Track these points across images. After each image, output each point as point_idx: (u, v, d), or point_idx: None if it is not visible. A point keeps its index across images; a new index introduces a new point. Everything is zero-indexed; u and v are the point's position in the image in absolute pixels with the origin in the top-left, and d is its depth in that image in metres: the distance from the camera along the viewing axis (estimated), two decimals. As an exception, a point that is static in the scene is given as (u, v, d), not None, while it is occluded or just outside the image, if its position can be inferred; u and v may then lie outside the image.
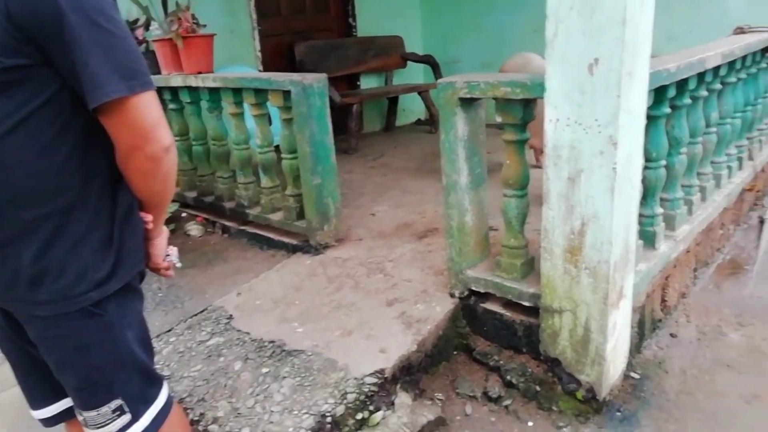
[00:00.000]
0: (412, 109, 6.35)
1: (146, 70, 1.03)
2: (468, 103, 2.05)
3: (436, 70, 5.83)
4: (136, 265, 1.19)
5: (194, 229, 3.51)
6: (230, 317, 2.46)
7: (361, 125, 5.75)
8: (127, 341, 1.17)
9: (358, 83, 5.89)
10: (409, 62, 5.98)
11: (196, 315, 2.53)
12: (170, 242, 1.36)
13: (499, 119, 2.01)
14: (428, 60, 5.88)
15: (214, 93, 3.23)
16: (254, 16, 4.82)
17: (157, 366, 1.54)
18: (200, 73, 3.22)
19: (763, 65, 3.21)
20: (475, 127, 2.11)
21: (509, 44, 5.46)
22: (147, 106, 1.02)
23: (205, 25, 3.32)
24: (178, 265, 1.38)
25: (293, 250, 3.04)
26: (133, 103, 0.99)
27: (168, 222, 1.34)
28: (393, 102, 6.01)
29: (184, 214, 3.69)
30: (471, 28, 5.95)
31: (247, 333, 2.32)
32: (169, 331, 2.42)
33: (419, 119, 6.43)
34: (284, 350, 2.16)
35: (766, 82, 3.37)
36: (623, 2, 1.49)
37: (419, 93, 5.64)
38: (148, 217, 1.21)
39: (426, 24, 6.34)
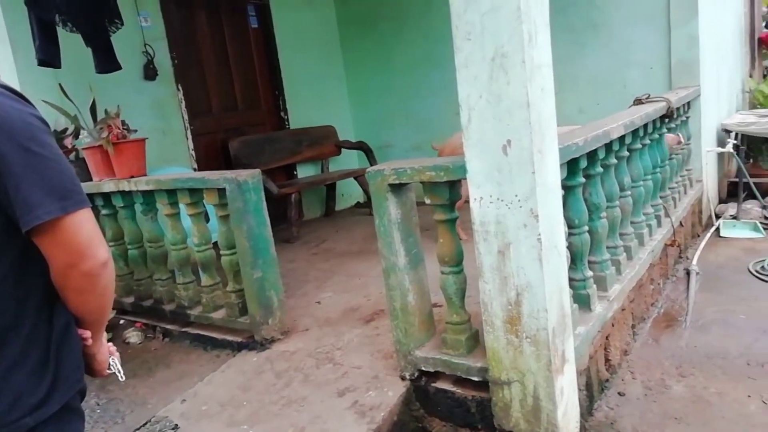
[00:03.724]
0: (350, 193, 6.48)
1: (80, 189, 1.03)
2: (398, 188, 2.14)
3: (369, 154, 6.05)
4: (74, 384, 1.14)
5: (133, 335, 3.37)
6: (175, 427, 2.34)
7: (301, 213, 5.81)
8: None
9: (295, 173, 6.00)
10: (343, 149, 6.19)
11: (138, 429, 2.39)
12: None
13: (428, 201, 2.11)
14: (361, 146, 6.12)
15: (148, 195, 3.21)
16: (186, 117, 4.91)
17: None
18: (132, 176, 3.21)
19: (664, 131, 3.52)
20: (406, 209, 2.19)
21: (436, 126, 5.77)
22: (81, 224, 1.02)
23: (135, 130, 3.34)
24: (121, 378, 1.34)
25: (238, 347, 2.95)
26: (66, 222, 0.99)
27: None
28: (331, 188, 6.14)
29: (121, 321, 3.54)
30: (399, 114, 6.26)
31: (194, 442, 2.21)
32: (109, 450, 2.28)
33: (358, 202, 6.56)
34: (234, 457, 2.07)
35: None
36: (524, 89, 1.64)
37: (355, 178, 5.79)
38: (87, 334, 1.17)
39: (356, 112, 6.62)
